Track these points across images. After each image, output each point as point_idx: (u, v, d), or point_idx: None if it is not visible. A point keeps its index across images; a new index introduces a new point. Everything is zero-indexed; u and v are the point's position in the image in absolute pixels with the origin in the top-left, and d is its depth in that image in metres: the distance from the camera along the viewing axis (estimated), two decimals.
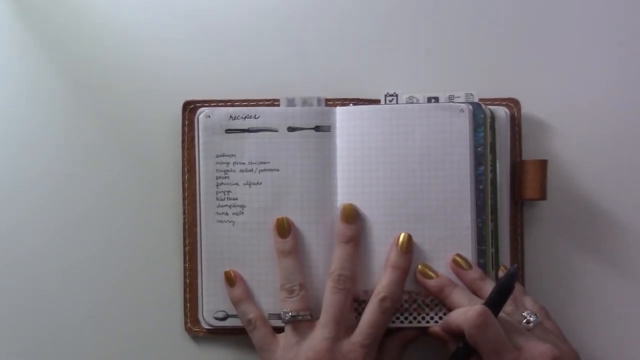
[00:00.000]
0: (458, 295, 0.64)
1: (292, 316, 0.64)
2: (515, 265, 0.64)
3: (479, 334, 0.58)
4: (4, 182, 0.72)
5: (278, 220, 0.67)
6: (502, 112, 0.68)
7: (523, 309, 0.62)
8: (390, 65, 0.71)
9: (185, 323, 0.69)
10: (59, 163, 0.71)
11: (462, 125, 0.66)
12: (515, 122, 0.69)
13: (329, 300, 0.64)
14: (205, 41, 0.72)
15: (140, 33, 0.72)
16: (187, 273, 0.69)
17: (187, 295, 0.69)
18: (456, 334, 0.61)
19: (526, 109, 0.69)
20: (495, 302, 0.60)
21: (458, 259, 0.65)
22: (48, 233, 0.71)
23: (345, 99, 0.69)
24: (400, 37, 0.71)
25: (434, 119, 0.66)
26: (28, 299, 0.71)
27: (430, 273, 0.65)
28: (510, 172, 0.69)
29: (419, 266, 0.66)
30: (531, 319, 0.61)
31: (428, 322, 0.66)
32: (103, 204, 0.71)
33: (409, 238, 0.66)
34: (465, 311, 0.59)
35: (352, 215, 0.66)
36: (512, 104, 0.69)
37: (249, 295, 0.67)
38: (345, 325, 0.64)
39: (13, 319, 0.71)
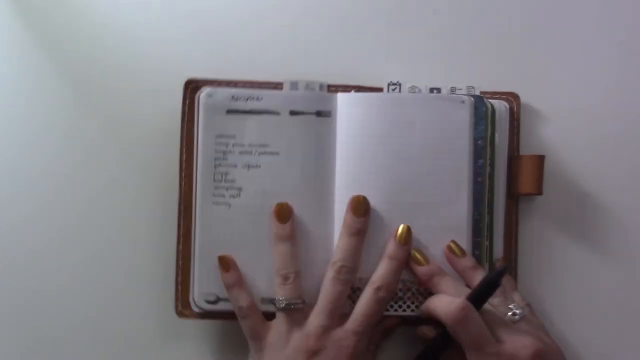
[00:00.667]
0: (447, 285, 0.64)
1: (286, 304, 0.64)
2: (505, 264, 0.65)
3: (459, 328, 0.58)
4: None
5: (278, 205, 0.66)
6: (502, 106, 0.68)
7: (510, 302, 0.63)
8: (394, 55, 0.72)
9: (177, 307, 0.68)
10: (60, 152, 0.71)
11: (463, 117, 0.66)
12: (514, 116, 0.70)
13: (327, 290, 0.64)
14: (209, 24, 0.72)
15: (144, 13, 0.73)
16: (181, 255, 0.68)
17: (179, 278, 0.68)
18: (436, 320, 0.61)
19: (526, 104, 0.70)
20: (479, 296, 0.60)
21: (452, 245, 0.65)
22: (48, 225, 0.71)
23: (348, 86, 0.69)
24: (405, 29, 0.72)
25: (435, 110, 0.66)
26: (19, 274, 0.71)
27: (421, 258, 0.65)
28: (507, 166, 0.69)
29: (411, 251, 0.65)
30: (517, 311, 0.61)
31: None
32: (103, 187, 0.71)
33: (408, 230, 0.65)
34: (449, 303, 0.59)
35: (362, 209, 0.65)
36: (512, 98, 0.70)
37: (242, 282, 0.66)
38: (339, 315, 0.64)
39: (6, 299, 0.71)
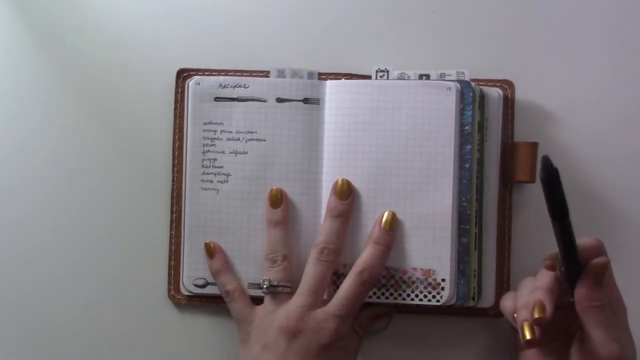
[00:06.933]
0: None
1: (271, 285, 0.64)
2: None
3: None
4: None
5: (272, 190, 0.67)
6: (494, 92, 0.67)
7: None
8: (385, 41, 0.71)
9: (169, 290, 0.70)
10: (60, 142, 0.72)
11: (449, 103, 0.65)
12: (509, 103, 0.68)
13: (309, 271, 0.64)
14: (203, 17, 0.72)
15: (141, 9, 0.73)
16: (173, 240, 0.70)
17: (172, 263, 0.70)
18: None
19: (522, 92, 0.68)
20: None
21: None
22: (46, 216, 0.72)
23: (338, 74, 0.69)
24: (397, 14, 0.71)
25: (420, 96, 0.65)
26: (16, 265, 0.72)
27: None
28: (500, 154, 0.67)
29: None
30: None
31: (404, 299, 0.65)
32: (101, 178, 0.72)
33: (394, 216, 0.65)
34: None
35: (345, 192, 0.66)
36: (507, 85, 0.68)
37: (228, 267, 0.67)
38: (322, 296, 0.64)
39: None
